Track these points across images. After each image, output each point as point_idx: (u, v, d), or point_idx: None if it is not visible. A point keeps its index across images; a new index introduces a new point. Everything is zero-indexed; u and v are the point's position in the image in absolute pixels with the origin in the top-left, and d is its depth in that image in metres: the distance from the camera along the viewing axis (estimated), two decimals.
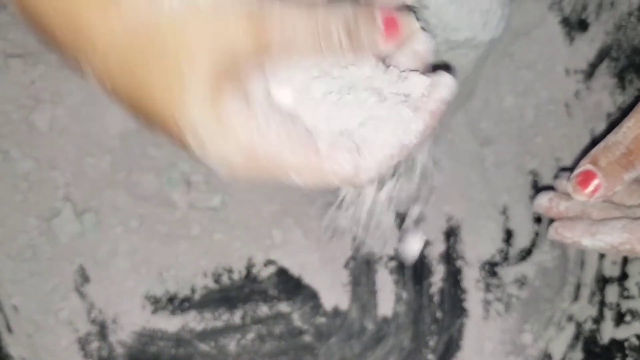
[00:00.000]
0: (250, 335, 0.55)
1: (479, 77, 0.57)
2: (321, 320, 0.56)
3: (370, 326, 0.55)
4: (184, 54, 0.29)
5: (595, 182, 0.43)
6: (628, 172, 0.42)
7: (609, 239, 0.44)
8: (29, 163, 0.55)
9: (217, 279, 0.56)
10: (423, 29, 0.36)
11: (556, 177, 0.51)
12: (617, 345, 0.51)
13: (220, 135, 0.30)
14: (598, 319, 0.54)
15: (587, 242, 0.45)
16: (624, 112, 0.56)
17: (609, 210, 0.46)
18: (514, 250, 0.57)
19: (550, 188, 0.52)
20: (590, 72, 0.59)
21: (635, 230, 0.43)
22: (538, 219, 0.58)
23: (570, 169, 0.46)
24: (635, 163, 0.43)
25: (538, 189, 0.59)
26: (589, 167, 0.43)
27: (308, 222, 0.57)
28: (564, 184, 0.48)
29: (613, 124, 0.57)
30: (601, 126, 0.58)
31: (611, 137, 0.44)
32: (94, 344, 0.53)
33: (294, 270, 0.57)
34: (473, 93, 0.59)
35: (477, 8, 0.45)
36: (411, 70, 0.36)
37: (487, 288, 0.56)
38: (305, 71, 0.34)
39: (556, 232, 0.47)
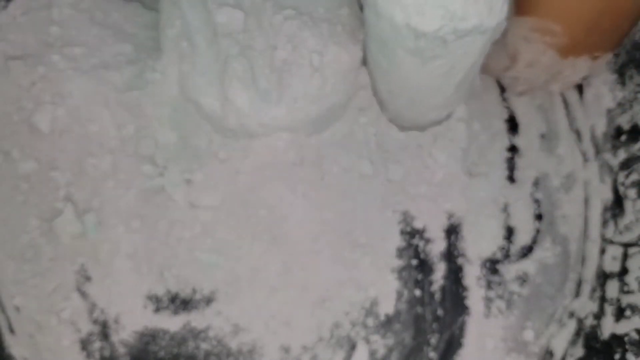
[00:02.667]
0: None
1: (480, 65, 0.57)
2: None
3: (372, 324, 0.55)
4: None
5: None
6: None
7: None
8: (30, 163, 0.56)
9: None
10: None
11: None
12: (617, 340, 0.50)
13: None
14: (599, 315, 0.53)
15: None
16: (624, 108, 0.56)
17: None
18: (515, 248, 0.57)
19: None
20: None
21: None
22: (539, 216, 0.58)
23: None
24: None
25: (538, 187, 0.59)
26: None
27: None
28: None
29: (613, 119, 0.57)
30: (601, 122, 0.58)
31: None
32: (96, 344, 0.53)
33: None
34: (474, 87, 0.59)
35: None
36: None
37: (489, 285, 0.56)
38: None
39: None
